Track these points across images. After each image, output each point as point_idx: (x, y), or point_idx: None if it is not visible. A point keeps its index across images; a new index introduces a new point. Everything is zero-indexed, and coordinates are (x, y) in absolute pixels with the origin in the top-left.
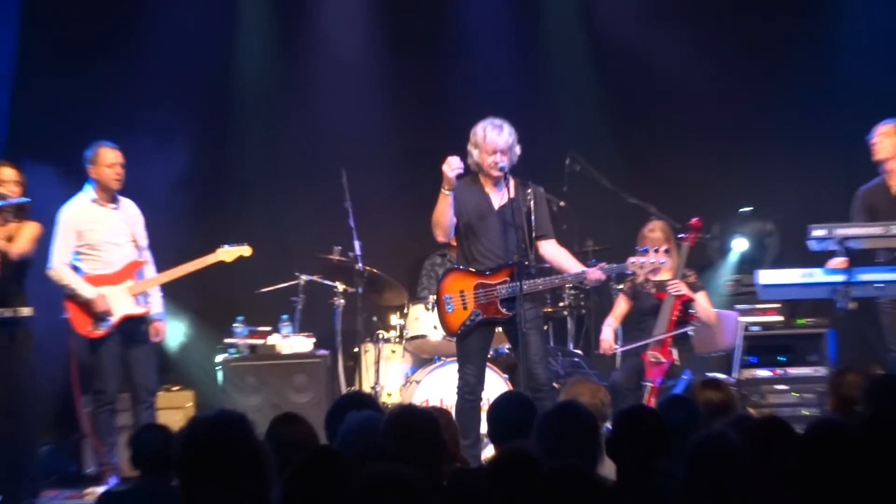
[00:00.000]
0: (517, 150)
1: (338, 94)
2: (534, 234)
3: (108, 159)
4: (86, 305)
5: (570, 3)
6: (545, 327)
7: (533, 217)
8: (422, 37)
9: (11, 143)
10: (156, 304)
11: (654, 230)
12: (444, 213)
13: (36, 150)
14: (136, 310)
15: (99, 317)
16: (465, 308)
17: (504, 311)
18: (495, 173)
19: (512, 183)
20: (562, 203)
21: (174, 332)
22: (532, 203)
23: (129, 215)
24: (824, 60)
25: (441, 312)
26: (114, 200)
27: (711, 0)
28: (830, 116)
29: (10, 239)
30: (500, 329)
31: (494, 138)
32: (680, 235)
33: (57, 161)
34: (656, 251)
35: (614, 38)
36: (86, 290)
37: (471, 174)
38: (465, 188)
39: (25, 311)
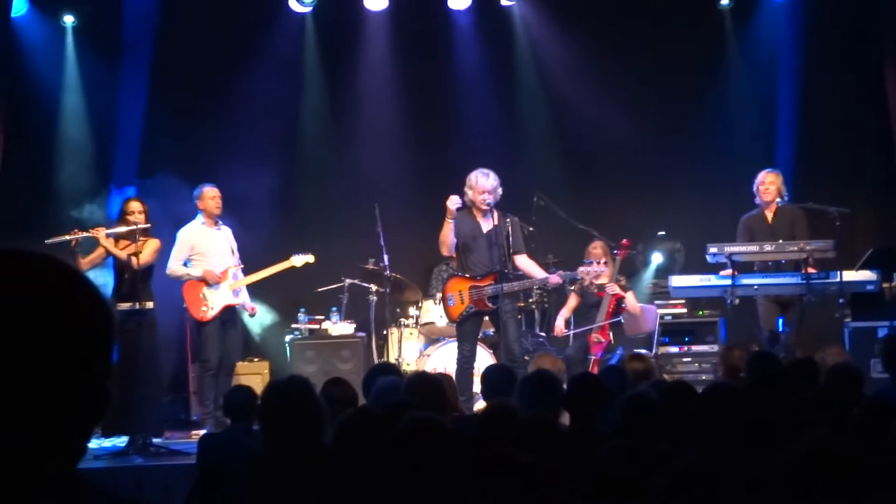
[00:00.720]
0: (499, 191)
1: (372, 143)
2: (511, 251)
3: (210, 195)
4: (198, 290)
5: (531, 73)
6: (519, 316)
7: (510, 238)
8: (430, 104)
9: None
10: (245, 296)
11: (596, 248)
12: (448, 236)
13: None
14: (234, 300)
15: (211, 285)
16: (462, 303)
17: (490, 304)
18: (484, 207)
19: (496, 214)
20: (531, 228)
21: (257, 318)
22: (510, 228)
23: (228, 236)
24: (717, 114)
25: (445, 306)
26: (216, 224)
27: (635, 69)
28: (722, 159)
29: (136, 254)
30: (487, 318)
31: (483, 182)
32: (615, 251)
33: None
34: (598, 263)
35: (564, 100)
36: (195, 272)
37: (466, 207)
38: (462, 217)
39: (148, 305)
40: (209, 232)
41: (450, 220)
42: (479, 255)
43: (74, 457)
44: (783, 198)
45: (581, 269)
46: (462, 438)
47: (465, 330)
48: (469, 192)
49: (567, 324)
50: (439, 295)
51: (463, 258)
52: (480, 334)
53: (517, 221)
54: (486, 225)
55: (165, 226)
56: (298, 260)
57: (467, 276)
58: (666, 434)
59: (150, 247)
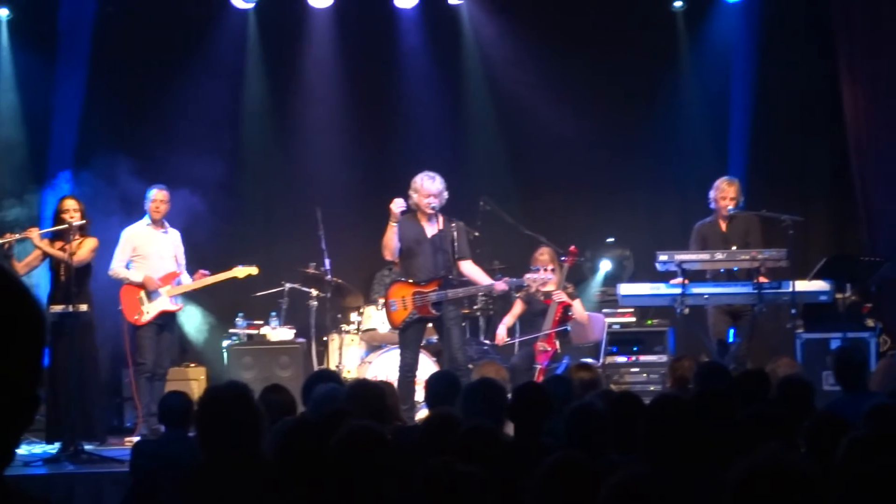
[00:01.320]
0: (445, 195)
1: (314, 147)
2: (456, 256)
3: (152, 197)
4: (136, 294)
5: (479, 74)
6: (463, 324)
7: (455, 243)
8: (375, 105)
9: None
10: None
11: (543, 254)
12: (391, 240)
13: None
14: (171, 307)
15: (150, 294)
16: (405, 309)
17: (433, 311)
18: (429, 211)
19: (441, 218)
20: (476, 233)
21: (194, 324)
22: (455, 233)
23: (174, 240)
24: (669, 118)
25: (388, 312)
26: (163, 227)
27: (585, 72)
28: (673, 165)
29: (73, 254)
30: (431, 324)
31: (429, 186)
32: (562, 258)
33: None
34: (545, 270)
35: (513, 103)
36: (135, 276)
37: (410, 211)
38: (406, 221)
39: (82, 307)
40: (153, 234)
41: (393, 224)
42: (423, 261)
43: (1, 464)
44: (738, 205)
45: (528, 275)
46: (403, 448)
47: (408, 337)
48: (414, 196)
49: (511, 332)
50: (382, 300)
51: (406, 263)
52: (424, 341)
53: (462, 226)
54: (431, 229)
55: (98, 223)
56: (241, 271)
57: (411, 281)
58: (612, 445)
59: (88, 245)
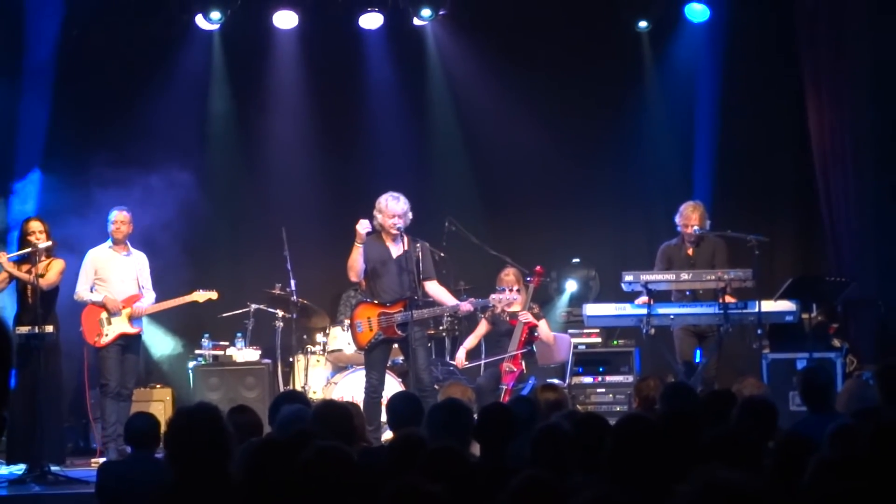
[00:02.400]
0: (410, 215)
1: (280, 167)
2: (421, 277)
3: (112, 218)
4: (96, 315)
5: (444, 95)
6: (429, 344)
7: (420, 264)
8: (340, 125)
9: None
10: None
11: (509, 274)
12: (357, 261)
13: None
14: (131, 329)
15: (112, 313)
16: (371, 329)
17: (399, 332)
18: (394, 232)
19: (405, 239)
20: (441, 254)
21: (160, 345)
22: (419, 254)
23: (138, 262)
24: (634, 138)
25: (353, 333)
26: (126, 249)
27: (550, 92)
28: (639, 185)
29: (40, 276)
30: (396, 345)
31: (394, 206)
32: (528, 278)
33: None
34: (510, 290)
35: (478, 122)
36: (97, 297)
37: (375, 232)
38: (371, 242)
39: (48, 329)
40: (115, 257)
41: (359, 245)
42: (388, 281)
43: None
44: (704, 227)
45: (493, 296)
46: (369, 469)
47: (374, 358)
48: (378, 216)
49: (476, 353)
50: (347, 321)
51: (372, 284)
52: (389, 362)
53: (427, 247)
54: (396, 250)
55: (62, 247)
56: (201, 296)
57: (376, 302)
58: (577, 466)
59: (56, 267)
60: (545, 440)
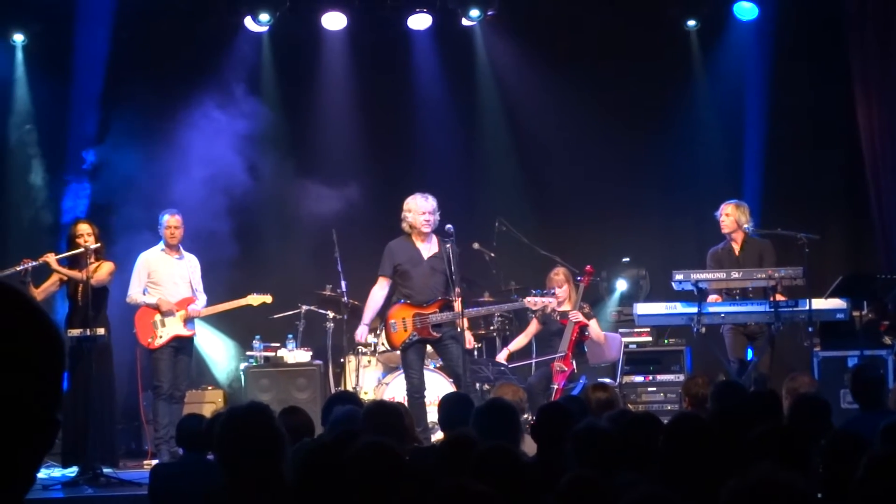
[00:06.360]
0: (437, 215)
1: (330, 167)
2: (454, 278)
3: (166, 224)
4: (150, 317)
5: (493, 95)
6: (479, 344)
7: (452, 265)
8: (389, 126)
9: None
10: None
11: (559, 274)
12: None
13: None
14: (184, 332)
15: (165, 315)
16: (405, 330)
17: (434, 333)
18: (425, 230)
19: (436, 240)
20: (492, 254)
21: (215, 349)
22: (450, 255)
23: (190, 265)
24: (683, 138)
25: (387, 332)
26: (178, 252)
27: (598, 91)
28: (688, 184)
29: (90, 276)
30: (429, 346)
31: (423, 204)
32: (578, 278)
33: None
34: (555, 292)
35: (527, 123)
36: (150, 300)
37: (405, 234)
38: (401, 244)
39: (99, 331)
40: (167, 260)
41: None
42: (420, 282)
43: (22, 488)
44: (749, 229)
45: (528, 299)
46: (420, 468)
47: (410, 358)
48: (409, 216)
49: (520, 355)
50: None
51: (402, 285)
52: (433, 364)
53: (456, 250)
54: (427, 251)
55: (119, 249)
56: (256, 299)
57: (410, 303)
58: (628, 464)
59: (105, 268)
60: (582, 440)
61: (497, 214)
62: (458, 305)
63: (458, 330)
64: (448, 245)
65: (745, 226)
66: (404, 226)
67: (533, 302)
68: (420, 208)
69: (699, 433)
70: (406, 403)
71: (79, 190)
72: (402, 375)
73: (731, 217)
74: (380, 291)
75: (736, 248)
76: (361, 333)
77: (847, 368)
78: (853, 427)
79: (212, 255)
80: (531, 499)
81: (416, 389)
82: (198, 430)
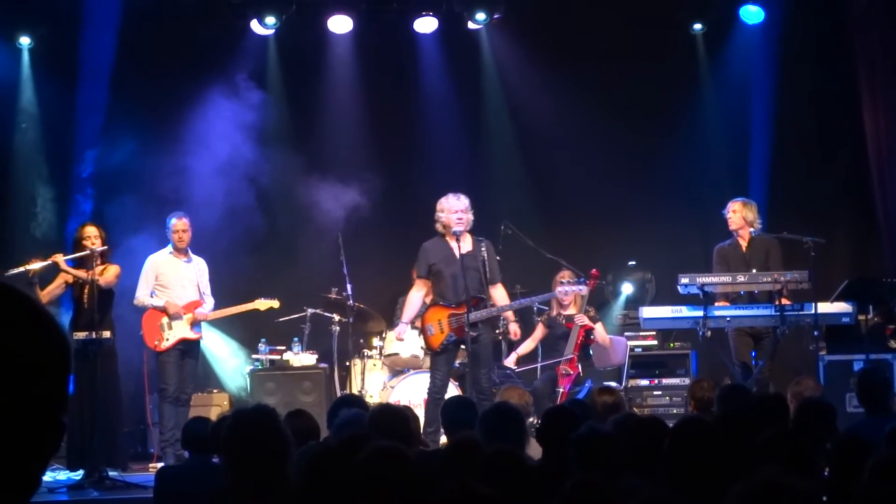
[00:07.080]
0: (471, 215)
1: (336, 170)
2: (488, 277)
3: (174, 227)
4: (157, 320)
5: (499, 98)
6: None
7: (486, 264)
8: (395, 129)
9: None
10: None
11: (564, 277)
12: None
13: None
14: (191, 335)
15: (173, 318)
16: (442, 332)
17: (469, 332)
18: (459, 228)
19: (470, 239)
20: (498, 258)
21: (220, 351)
22: (486, 254)
23: (198, 268)
24: (689, 141)
25: (425, 336)
26: (186, 255)
27: (605, 95)
28: (694, 188)
29: (97, 278)
30: (463, 347)
31: (455, 203)
32: (584, 281)
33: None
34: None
35: (533, 126)
36: (158, 302)
37: (438, 234)
38: (435, 243)
39: (105, 334)
40: (175, 263)
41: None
42: (453, 281)
43: (27, 491)
44: (756, 228)
45: (559, 289)
46: (426, 470)
47: (441, 359)
48: (441, 216)
49: (525, 358)
50: (418, 324)
51: (438, 286)
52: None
53: (492, 247)
54: (460, 250)
55: (123, 252)
56: (263, 304)
57: (444, 304)
58: (627, 468)
59: (112, 271)
60: (583, 444)
61: (503, 217)
62: (500, 298)
63: (497, 331)
64: (483, 245)
65: (753, 226)
66: (438, 226)
67: (563, 292)
68: (452, 207)
69: (705, 437)
70: (412, 406)
71: (84, 192)
72: (408, 378)
73: (738, 214)
74: (416, 293)
75: (743, 244)
76: (401, 330)
77: (853, 372)
78: (859, 431)
79: (216, 257)
80: (536, 502)
81: (437, 390)
82: (203, 433)
